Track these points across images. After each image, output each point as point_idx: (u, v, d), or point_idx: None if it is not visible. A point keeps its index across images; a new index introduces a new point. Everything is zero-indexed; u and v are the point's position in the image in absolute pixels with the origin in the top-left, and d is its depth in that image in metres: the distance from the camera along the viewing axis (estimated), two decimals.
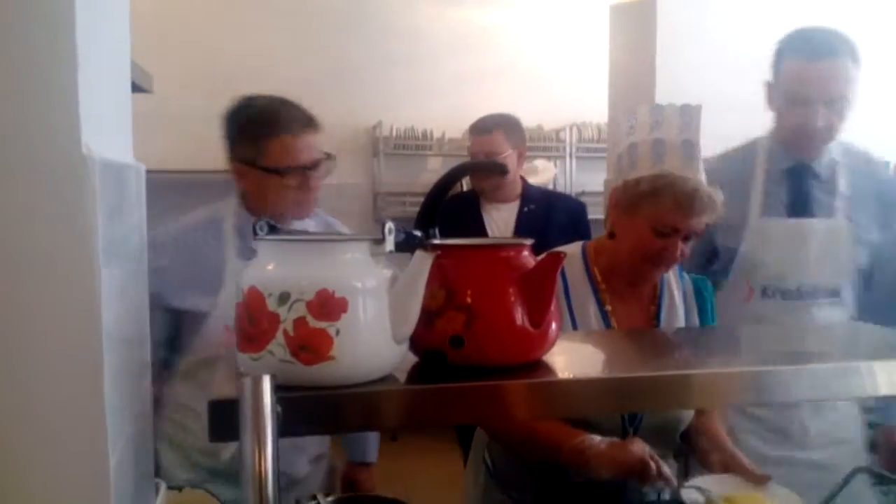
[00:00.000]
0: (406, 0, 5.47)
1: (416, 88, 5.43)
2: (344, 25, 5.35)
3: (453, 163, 5.58)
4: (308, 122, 1.79)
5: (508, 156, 2.83)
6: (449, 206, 3.01)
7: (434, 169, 5.65)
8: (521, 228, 2.81)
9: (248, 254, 1.87)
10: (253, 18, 5.24)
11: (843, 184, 1.99)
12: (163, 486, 1.26)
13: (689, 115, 1.51)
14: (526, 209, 2.85)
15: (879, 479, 2.35)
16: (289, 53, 5.22)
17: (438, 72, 5.40)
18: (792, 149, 2.04)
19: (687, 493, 1.41)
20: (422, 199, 5.05)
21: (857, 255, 2.01)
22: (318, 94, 6.39)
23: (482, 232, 2.82)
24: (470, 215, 2.87)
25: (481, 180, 2.92)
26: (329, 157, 1.81)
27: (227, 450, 1.67)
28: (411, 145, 5.36)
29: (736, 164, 2.11)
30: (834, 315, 1.99)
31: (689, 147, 1.51)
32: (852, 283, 2.02)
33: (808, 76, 1.90)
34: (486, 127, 2.90)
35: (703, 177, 1.53)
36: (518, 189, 2.91)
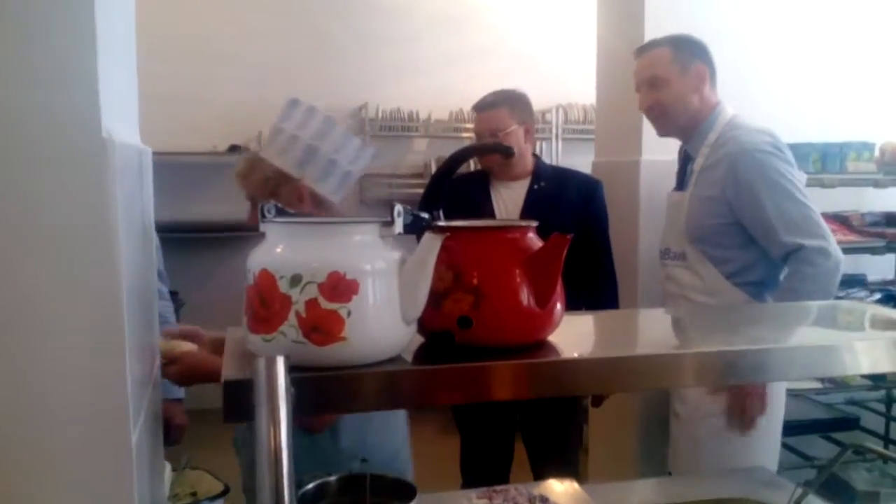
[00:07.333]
0: None
1: (402, 69, 5.41)
2: (328, 5, 5.31)
3: (439, 144, 5.59)
4: None
5: (513, 131, 2.73)
6: (457, 184, 2.90)
7: (420, 150, 5.64)
8: (530, 206, 2.74)
9: None
10: None
11: (698, 162, 2.28)
12: (167, 466, 1.27)
13: (329, 126, 1.69)
14: (536, 186, 2.78)
15: (865, 456, 2.41)
16: (273, 34, 5.17)
17: (424, 52, 5.38)
18: None
19: None
20: (407, 181, 5.08)
21: (708, 223, 2.23)
22: (304, 74, 6.27)
23: (489, 209, 2.76)
24: (479, 193, 2.80)
25: (486, 159, 2.86)
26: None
27: None
28: (397, 126, 5.36)
29: None
30: (684, 276, 2.33)
31: (310, 151, 1.67)
32: (701, 249, 2.26)
33: (635, 69, 2.42)
34: (488, 103, 2.78)
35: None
36: (529, 166, 2.83)
